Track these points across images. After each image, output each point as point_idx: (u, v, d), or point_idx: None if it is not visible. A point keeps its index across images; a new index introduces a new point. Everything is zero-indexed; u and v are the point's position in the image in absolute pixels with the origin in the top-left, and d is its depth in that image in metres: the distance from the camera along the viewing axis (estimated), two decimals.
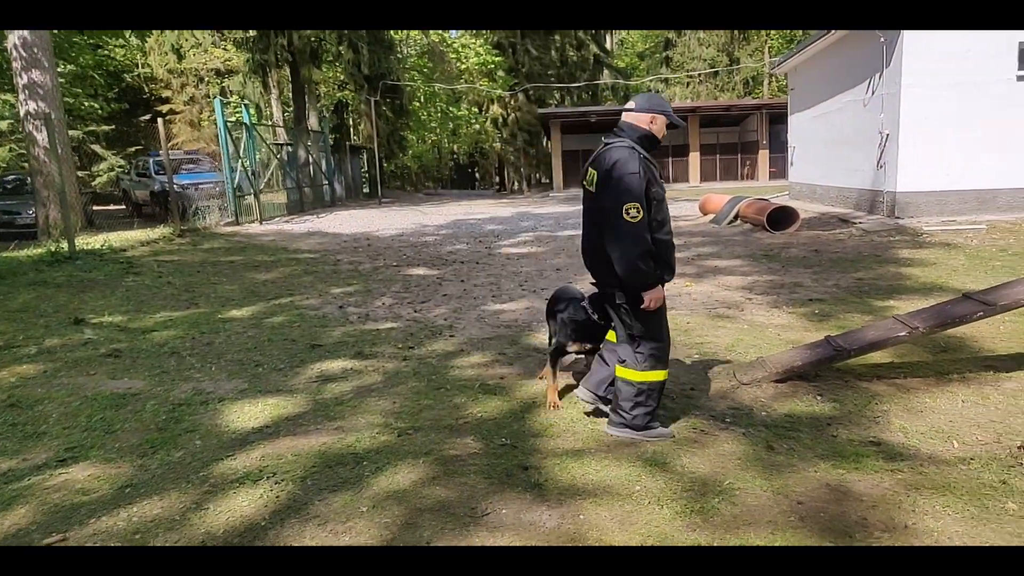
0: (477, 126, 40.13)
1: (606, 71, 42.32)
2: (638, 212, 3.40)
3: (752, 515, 2.99)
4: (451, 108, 37.98)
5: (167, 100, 35.32)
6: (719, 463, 3.50)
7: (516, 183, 39.24)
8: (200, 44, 30.51)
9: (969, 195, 12.62)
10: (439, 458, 3.63)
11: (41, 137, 13.00)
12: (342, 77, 25.41)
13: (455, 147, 43.97)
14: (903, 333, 4.53)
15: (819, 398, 4.37)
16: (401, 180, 37.85)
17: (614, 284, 3.62)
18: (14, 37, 13.07)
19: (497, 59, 37.66)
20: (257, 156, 17.81)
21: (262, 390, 4.93)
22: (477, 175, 46.62)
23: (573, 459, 3.57)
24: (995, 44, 12.08)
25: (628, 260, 3.44)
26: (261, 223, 16.78)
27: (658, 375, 3.73)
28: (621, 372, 3.75)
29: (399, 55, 27.34)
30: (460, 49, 37.34)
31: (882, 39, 12.66)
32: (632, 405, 3.71)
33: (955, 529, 2.87)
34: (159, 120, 14.10)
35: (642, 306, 3.56)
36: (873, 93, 13.37)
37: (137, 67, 34.23)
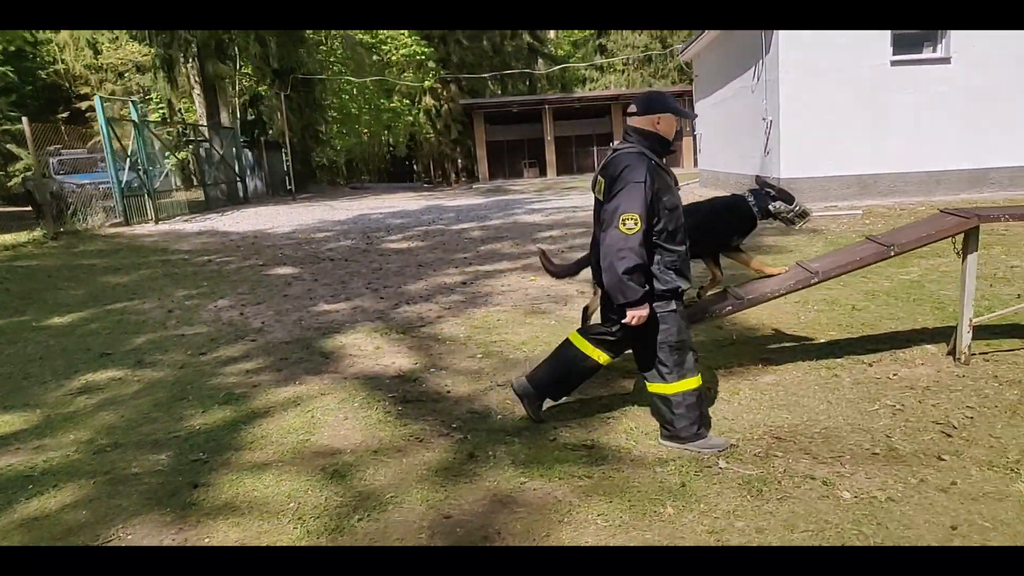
0: (410, 118, 39.68)
1: (541, 60, 42.28)
2: (635, 224, 3.18)
3: (385, 532, 2.84)
4: (382, 100, 37.42)
5: (87, 97, 34.29)
6: (403, 475, 3.35)
7: (454, 175, 38.96)
8: (117, 39, 29.60)
9: (851, 180, 12.73)
10: (115, 478, 3.43)
11: None
12: (249, 71, 24.84)
13: (391, 139, 43.48)
14: None
15: (566, 398, 4.25)
16: (331, 174, 37.29)
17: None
18: None
19: (426, 50, 37.22)
20: (163, 156, 17.31)
21: (6, 407, 4.66)
22: (416, 167, 46.18)
23: (253, 474, 3.39)
24: (869, 31, 12.15)
25: (614, 272, 3.22)
26: (156, 223, 16.31)
27: (691, 383, 3.50)
28: (654, 388, 3.55)
29: (313, 48, 26.84)
30: (387, 40, 36.74)
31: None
32: (674, 418, 3.50)
33: (587, 540, 2.75)
34: (24, 120, 13.51)
35: (623, 321, 3.35)
36: (758, 80, 13.41)
37: (54, 63, 33.12)
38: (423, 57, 37.72)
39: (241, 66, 24.45)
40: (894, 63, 12.33)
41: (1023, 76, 12.22)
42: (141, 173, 16.15)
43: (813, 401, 4.08)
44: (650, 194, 3.22)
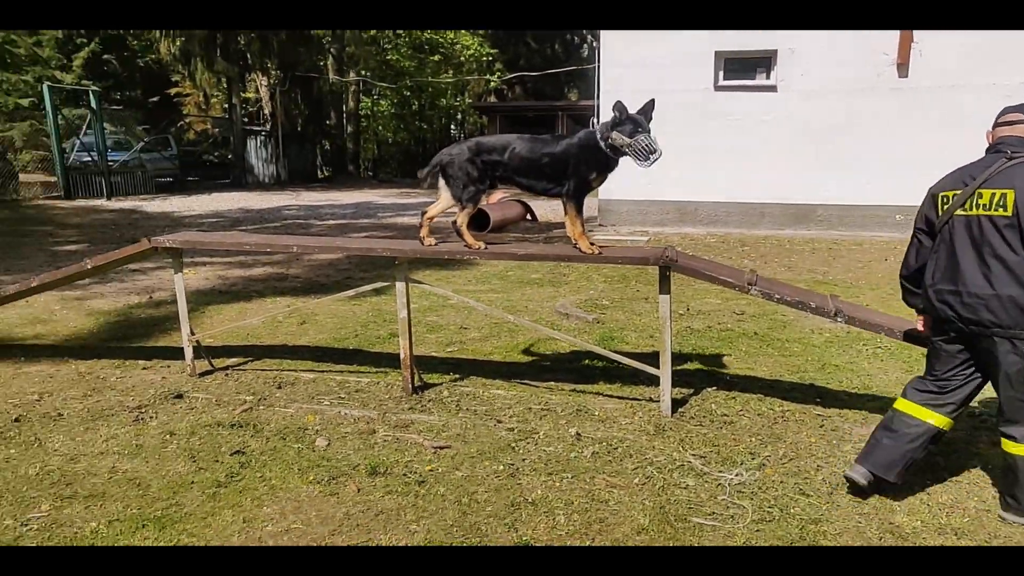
0: (475, 117, 41.06)
1: None
2: None
3: None
4: (442, 99, 39.26)
5: (176, 83, 37.92)
6: None
7: None
8: None
9: (670, 206, 12.26)
10: None
11: None
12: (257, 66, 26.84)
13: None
14: None
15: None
16: (375, 168, 39.30)
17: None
18: None
19: (492, 51, 38.35)
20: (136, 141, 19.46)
21: None
22: None
23: None
24: (692, 53, 11.69)
25: None
26: (109, 199, 18.14)
27: None
28: (1015, 448, 3.04)
29: (314, 46, 28.70)
30: (457, 40, 38.12)
31: (594, 43, 12.48)
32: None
33: None
34: None
35: None
36: (596, 97, 13.18)
37: (150, 49, 36.84)
38: (490, 59, 38.89)
39: (252, 63, 26.45)
40: (719, 88, 11.77)
41: (855, 110, 11.29)
42: (92, 153, 18.11)
43: None
44: None
